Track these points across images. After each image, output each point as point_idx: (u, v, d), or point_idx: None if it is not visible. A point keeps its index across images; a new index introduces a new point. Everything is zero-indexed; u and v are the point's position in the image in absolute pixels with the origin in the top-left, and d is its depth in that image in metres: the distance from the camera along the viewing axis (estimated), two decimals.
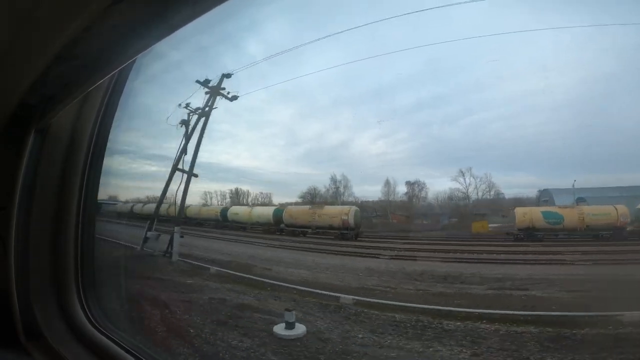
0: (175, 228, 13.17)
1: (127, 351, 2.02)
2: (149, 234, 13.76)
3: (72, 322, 2.20)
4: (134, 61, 1.64)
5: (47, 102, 1.86)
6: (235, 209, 25.31)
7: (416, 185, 22.52)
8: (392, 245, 16.08)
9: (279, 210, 22.09)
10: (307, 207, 22.28)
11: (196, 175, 14.37)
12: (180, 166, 14.23)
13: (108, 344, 2.08)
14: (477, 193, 21.16)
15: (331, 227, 19.56)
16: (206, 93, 14.87)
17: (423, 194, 22.77)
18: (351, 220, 19.31)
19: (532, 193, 19.07)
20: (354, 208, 20.53)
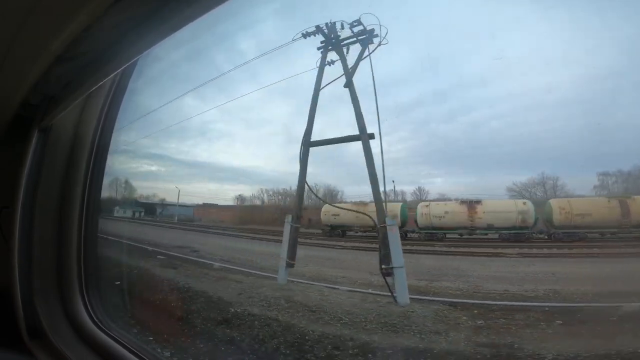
0: None
1: (130, 351, 2.01)
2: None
3: (75, 321, 2.20)
4: (136, 62, 1.63)
5: (50, 102, 1.86)
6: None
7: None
8: None
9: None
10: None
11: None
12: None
13: (111, 343, 2.07)
14: None
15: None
16: (318, 48, 9.01)
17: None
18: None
19: None
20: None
